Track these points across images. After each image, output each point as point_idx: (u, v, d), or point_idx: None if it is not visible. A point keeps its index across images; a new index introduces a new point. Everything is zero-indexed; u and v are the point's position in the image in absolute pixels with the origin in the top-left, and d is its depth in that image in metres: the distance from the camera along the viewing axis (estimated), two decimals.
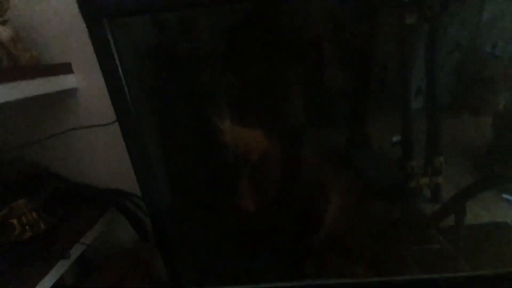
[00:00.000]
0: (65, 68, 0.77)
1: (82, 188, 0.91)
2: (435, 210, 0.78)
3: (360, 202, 0.79)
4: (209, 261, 0.65)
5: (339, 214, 0.75)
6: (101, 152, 0.89)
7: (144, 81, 0.61)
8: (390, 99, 0.72)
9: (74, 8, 0.49)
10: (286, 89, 0.66)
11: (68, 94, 0.79)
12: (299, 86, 0.66)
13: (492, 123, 0.69)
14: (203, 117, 0.66)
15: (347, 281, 0.69)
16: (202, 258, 0.65)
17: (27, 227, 0.68)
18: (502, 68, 0.64)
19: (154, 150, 0.60)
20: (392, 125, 0.76)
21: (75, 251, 0.73)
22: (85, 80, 0.80)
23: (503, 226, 0.72)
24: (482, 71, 0.65)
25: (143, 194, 0.59)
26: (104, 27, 0.47)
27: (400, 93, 0.70)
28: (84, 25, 0.49)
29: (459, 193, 0.69)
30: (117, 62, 0.49)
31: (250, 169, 0.69)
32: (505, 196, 0.73)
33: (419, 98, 0.71)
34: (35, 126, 0.85)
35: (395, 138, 0.79)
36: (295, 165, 0.72)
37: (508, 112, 0.67)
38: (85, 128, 0.76)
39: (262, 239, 0.68)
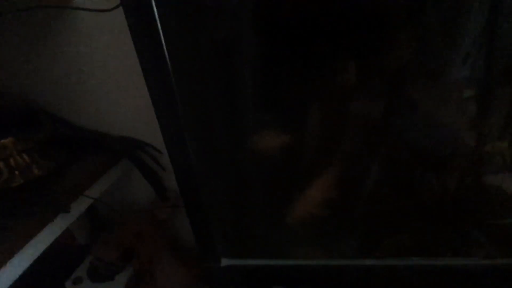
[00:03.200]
0: None
1: (88, 134, 0.76)
2: None
3: (418, 173, 0.61)
4: (247, 228, 0.49)
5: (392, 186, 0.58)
6: (111, 95, 0.72)
7: None
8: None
9: None
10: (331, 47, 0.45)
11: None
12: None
13: None
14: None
15: (411, 262, 0.52)
16: (239, 224, 0.48)
17: (16, 172, 0.54)
18: None
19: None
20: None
21: (79, 205, 0.59)
22: None
23: None
24: None
25: (166, 140, 0.40)
26: None
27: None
28: None
29: None
30: None
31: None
32: None
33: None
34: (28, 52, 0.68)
35: (468, 93, 0.58)
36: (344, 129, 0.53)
37: None
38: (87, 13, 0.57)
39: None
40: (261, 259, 0.45)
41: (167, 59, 0.30)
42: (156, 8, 0.28)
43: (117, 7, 0.51)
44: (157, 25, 0.28)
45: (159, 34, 0.29)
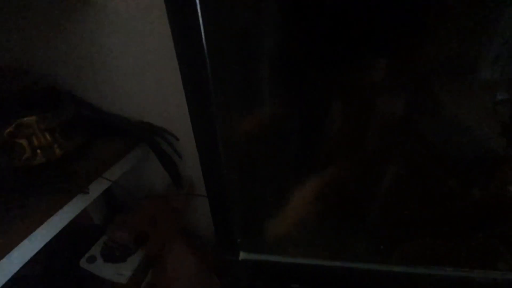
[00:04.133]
0: None
1: (108, 117, 0.76)
2: None
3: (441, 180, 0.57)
4: (269, 222, 0.47)
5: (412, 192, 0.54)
6: (132, 78, 0.71)
7: None
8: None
9: None
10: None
11: None
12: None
13: None
14: None
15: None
16: (261, 219, 0.47)
17: (38, 151, 0.55)
18: None
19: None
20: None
21: (97, 187, 0.59)
22: None
23: None
24: None
25: (193, 124, 0.38)
26: None
27: None
28: None
29: None
30: None
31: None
32: None
33: None
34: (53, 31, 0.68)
35: (501, 96, 0.53)
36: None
37: None
38: None
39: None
40: (281, 256, 0.43)
41: (204, 41, 0.29)
42: None
43: None
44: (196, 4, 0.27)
45: (197, 13, 0.27)
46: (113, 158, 0.64)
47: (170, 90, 0.70)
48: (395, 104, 0.50)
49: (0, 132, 0.51)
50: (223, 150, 0.35)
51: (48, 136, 0.56)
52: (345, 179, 0.47)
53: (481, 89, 0.53)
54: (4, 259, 0.44)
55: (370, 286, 0.47)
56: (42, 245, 0.51)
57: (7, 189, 0.51)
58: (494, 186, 0.57)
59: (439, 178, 0.56)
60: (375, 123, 0.50)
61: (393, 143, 0.53)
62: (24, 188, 0.51)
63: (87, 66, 0.71)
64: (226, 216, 0.38)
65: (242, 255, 0.43)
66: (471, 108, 0.51)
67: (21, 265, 0.48)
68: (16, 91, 0.59)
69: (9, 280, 0.45)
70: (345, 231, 0.48)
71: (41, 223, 0.49)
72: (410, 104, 0.49)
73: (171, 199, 0.84)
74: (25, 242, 0.47)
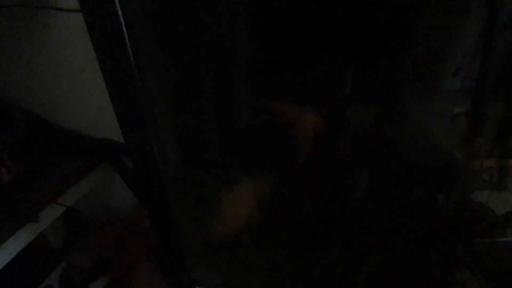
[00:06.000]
0: None
1: (67, 135, 0.72)
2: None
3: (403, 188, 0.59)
4: (222, 255, 0.45)
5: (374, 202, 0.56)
6: (92, 89, 0.68)
7: None
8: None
9: None
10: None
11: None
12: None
13: None
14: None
15: None
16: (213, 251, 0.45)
17: None
18: None
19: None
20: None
21: (50, 213, 0.55)
22: None
23: None
24: None
25: (124, 135, 0.38)
26: None
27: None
28: None
29: None
30: None
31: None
32: None
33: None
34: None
35: (459, 109, 0.57)
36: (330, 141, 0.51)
37: None
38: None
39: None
40: None
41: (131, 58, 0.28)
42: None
43: None
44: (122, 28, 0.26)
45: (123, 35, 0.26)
46: (70, 180, 0.60)
47: None
48: (359, 113, 0.50)
49: None
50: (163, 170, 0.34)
51: None
52: (308, 201, 0.47)
53: (442, 102, 0.56)
54: None
55: None
56: None
57: None
58: (455, 195, 0.59)
59: (401, 184, 0.57)
60: (335, 135, 0.51)
61: (358, 151, 0.53)
62: None
63: (44, 82, 0.67)
64: (176, 250, 0.37)
65: None
66: (434, 120, 0.54)
67: None
68: None
69: None
70: (306, 264, 0.48)
71: None
72: (371, 113, 0.50)
73: (138, 220, 0.80)
74: None
